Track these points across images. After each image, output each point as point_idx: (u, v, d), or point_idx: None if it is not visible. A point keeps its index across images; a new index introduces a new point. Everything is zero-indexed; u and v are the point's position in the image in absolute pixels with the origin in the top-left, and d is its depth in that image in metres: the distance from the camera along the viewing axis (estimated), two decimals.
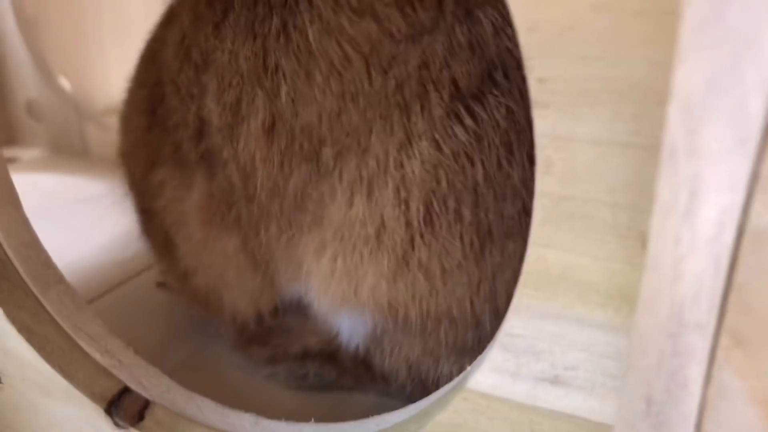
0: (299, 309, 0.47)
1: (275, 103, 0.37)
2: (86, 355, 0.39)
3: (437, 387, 0.36)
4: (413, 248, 0.35)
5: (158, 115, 0.44)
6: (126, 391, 0.38)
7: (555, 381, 0.26)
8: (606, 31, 0.21)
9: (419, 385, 0.40)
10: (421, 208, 0.34)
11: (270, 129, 0.37)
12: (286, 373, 0.46)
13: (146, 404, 0.38)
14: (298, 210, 0.38)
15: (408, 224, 0.35)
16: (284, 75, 0.36)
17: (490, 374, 0.27)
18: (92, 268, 0.61)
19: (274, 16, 0.36)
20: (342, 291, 0.38)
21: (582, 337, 0.25)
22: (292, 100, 0.36)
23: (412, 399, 0.34)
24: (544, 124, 0.23)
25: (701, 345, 0.20)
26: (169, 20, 0.44)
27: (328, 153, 0.36)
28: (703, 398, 0.20)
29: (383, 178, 0.35)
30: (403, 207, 0.34)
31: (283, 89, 0.36)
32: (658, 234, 0.19)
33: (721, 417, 0.20)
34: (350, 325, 0.42)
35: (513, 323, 0.26)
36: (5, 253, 0.39)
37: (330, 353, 0.45)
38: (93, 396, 0.37)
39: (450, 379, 0.34)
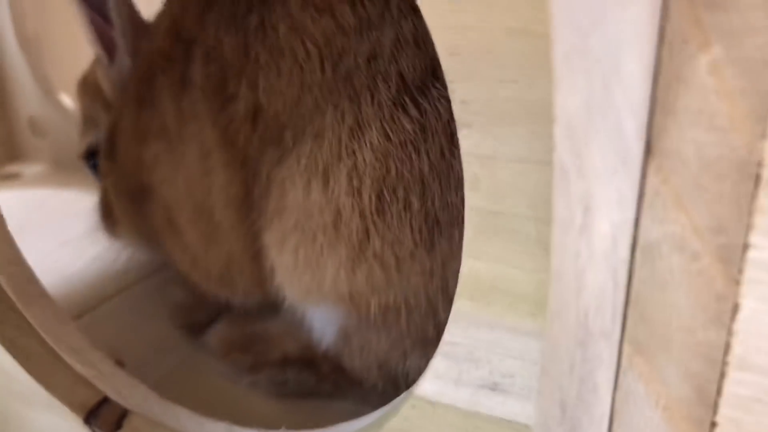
0: (280, 314, 0.49)
1: (256, 93, 0.40)
2: (67, 366, 0.40)
3: (407, 384, 0.37)
4: (368, 238, 0.37)
5: (146, 100, 0.47)
6: (105, 401, 0.40)
7: (494, 388, 0.27)
8: (519, 55, 0.23)
9: (391, 384, 0.42)
10: (373, 197, 0.36)
11: (254, 114, 0.41)
12: (267, 381, 0.47)
13: (124, 413, 0.39)
14: (266, 196, 0.41)
15: (362, 214, 0.37)
16: (261, 67, 0.40)
17: (434, 381, 0.28)
18: (87, 281, 0.63)
19: (254, 12, 0.40)
20: (306, 284, 0.40)
21: (516, 345, 0.26)
22: (267, 92, 0.40)
23: (386, 400, 0.35)
24: (468, 143, 0.24)
25: (608, 352, 0.21)
26: (158, 23, 0.49)
27: (288, 135, 0.39)
28: (613, 403, 0.21)
29: (337, 165, 0.37)
30: (356, 196, 0.37)
31: (261, 81, 0.40)
32: (559, 248, 0.20)
33: (630, 421, 0.21)
34: (320, 322, 0.44)
35: (452, 332, 0.27)
36: None
37: (308, 359, 0.46)
38: (72, 406, 0.39)
39: (419, 374, 0.36)
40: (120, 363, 0.43)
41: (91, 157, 0.59)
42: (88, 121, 0.60)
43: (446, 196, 0.36)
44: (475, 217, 0.25)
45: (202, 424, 0.39)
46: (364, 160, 0.36)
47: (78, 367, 0.40)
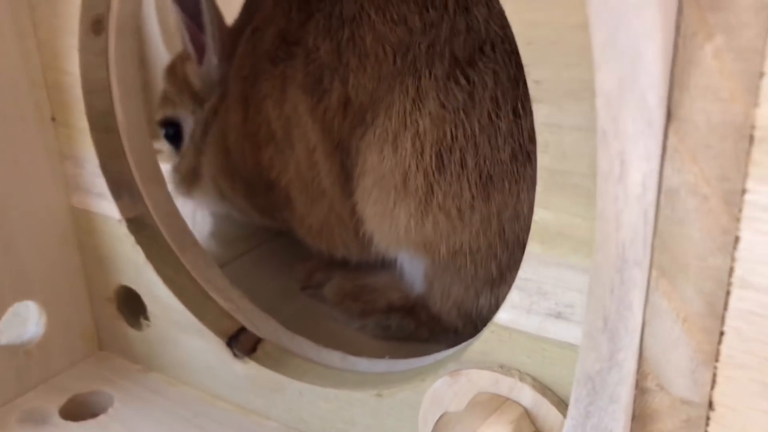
0: (384, 270, 0.57)
1: (346, 88, 0.49)
2: (214, 301, 0.49)
3: (481, 321, 0.46)
4: (432, 192, 0.45)
5: (250, 101, 0.56)
6: (243, 330, 0.48)
7: (558, 316, 0.33)
8: (580, 44, 0.28)
9: (470, 325, 0.49)
10: (433, 157, 0.44)
11: (344, 105, 0.49)
12: (374, 325, 0.55)
13: (258, 340, 0.48)
14: (354, 164, 0.49)
15: (425, 172, 0.44)
16: (351, 69, 0.48)
17: (510, 310, 0.35)
18: (225, 239, 0.73)
19: (346, 27, 0.49)
20: (386, 232, 0.48)
21: (577, 280, 0.32)
22: (355, 87, 0.48)
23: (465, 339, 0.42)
24: (540, 114, 0.31)
25: (640, 276, 0.26)
26: (256, 28, 0.57)
27: (369, 116, 0.47)
28: (644, 317, 0.27)
29: (403, 132, 0.45)
30: (419, 157, 0.44)
31: (351, 79, 0.49)
32: (602, 194, 0.26)
33: (657, 331, 0.27)
34: (409, 271, 0.52)
35: (525, 269, 0.34)
36: (154, 222, 0.50)
37: (409, 308, 0.54)
38: (218, 332, 0.47)
39: (488, 311, 0.43)
40: None
41: (164, 125, 0.70)
42: (167, 99, 0.70)
43: (495, 154, 0.42)
44: (545, 174, 0.31)
45: (320, 352, 0.47)
46: (424, 126, 0.44)
47: (221, 302, 0.49)
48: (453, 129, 0.43)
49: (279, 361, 0.47)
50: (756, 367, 0.25)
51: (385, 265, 0.56)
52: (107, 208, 0.49)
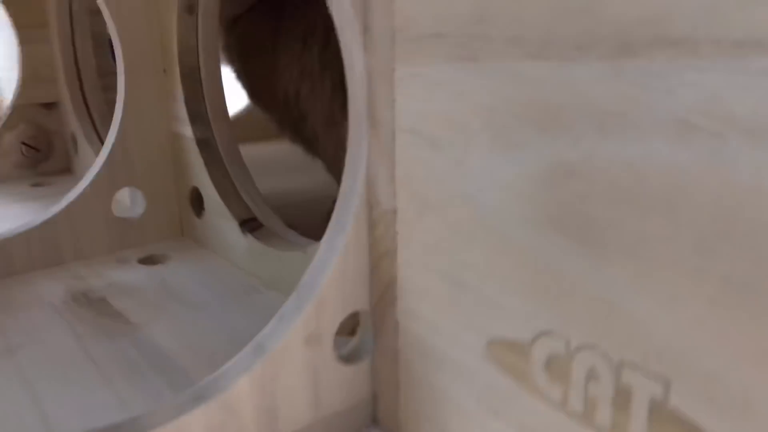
0: None
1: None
2: (241, 198, 0.71)
3: None
4: None
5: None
6: (253, 218, 0.70)
7: None
8: None
9: None
10: None
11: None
12: None
13: (260, 225, 0.69)
14: None
15: None
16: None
17: None
18: None
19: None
20: None
21: None
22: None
23: None
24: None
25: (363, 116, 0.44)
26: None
27: None
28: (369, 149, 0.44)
29: None
30: None
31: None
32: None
33: (373, 161, 0.44)
34: None
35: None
36: (215, 143, 0.74)
37: None
38: (237, 218, 0.69)
39: None
40: None
41: None
42: None
43: None
44: None
45: (298, 237, 0.67)
46: None
47: (246, 199, 0.71)
48: None
49: (269, 239, 0.67)
50: (412, 186, 0.41)
51: None
52: (187, 130, 0.73)
